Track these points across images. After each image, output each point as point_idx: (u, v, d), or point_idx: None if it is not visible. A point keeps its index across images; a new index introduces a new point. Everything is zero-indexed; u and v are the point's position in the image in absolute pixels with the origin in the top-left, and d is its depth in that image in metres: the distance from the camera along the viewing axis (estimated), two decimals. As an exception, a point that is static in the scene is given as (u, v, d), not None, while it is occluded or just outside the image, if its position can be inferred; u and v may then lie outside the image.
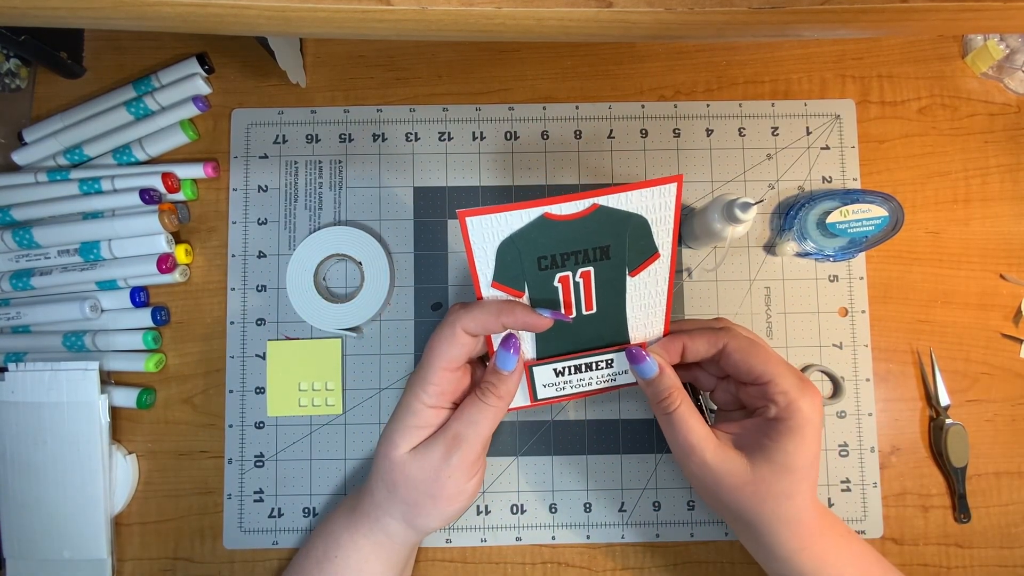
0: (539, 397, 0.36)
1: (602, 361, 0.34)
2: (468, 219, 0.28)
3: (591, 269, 0.31)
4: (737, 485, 0.31)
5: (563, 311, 0.32)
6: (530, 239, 0.29)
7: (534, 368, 0.34)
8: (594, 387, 0.36)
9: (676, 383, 0.33)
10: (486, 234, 0.29)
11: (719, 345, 0.32)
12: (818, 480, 0.33)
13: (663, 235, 0.30)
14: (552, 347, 0.34)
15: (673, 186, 0.29)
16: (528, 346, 0.34)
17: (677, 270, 0.41)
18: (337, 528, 0.35)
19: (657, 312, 0.33)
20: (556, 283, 0.31)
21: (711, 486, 0.32)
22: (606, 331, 0.33)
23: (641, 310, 0.33)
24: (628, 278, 0.32)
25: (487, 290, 0.31)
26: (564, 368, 0.35)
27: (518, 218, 0.29)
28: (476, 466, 0.33)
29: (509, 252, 0.30)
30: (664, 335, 0.34)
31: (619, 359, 0.34)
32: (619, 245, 0.30)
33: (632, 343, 0.34)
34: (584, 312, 0.33)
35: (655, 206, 0.29)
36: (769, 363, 0.31)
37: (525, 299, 0.32)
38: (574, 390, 0.36)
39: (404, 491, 0.33)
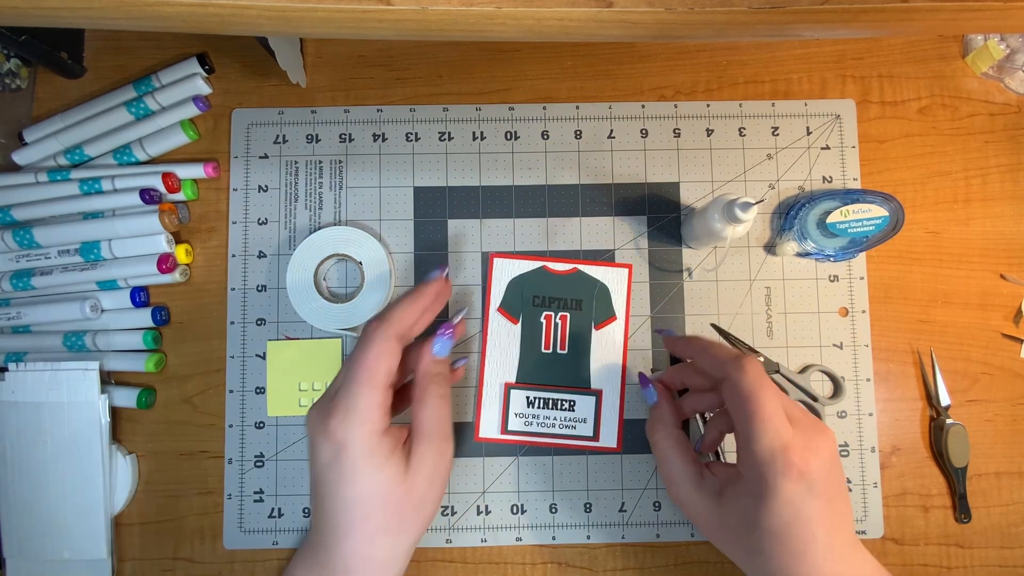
0: (509, 428, 0.40)
1: (565, 401, 0.40)
2: (495, 259, 0.41)
3: (568, 315, 0.41)
4: (708, 528, 0.32)
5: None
6: (531, 281, 0.41)
7: (512, 389, 0.40)
8: (556, 431, 0.40)
9: (665, 418, 0.35)
10: (503, 271, 0.41)
11: (721, 374, 0.31)
12: (810, 549, 0.28)
13: (620, 303, 0.41)
14: (529, 375, 0.40)
15: (625, 271, 0.41)
16: (511, 369, 0.40)
17: (677, 270, 0.41)
18: None
19: (615, 368, 0.40)
20: (542, 319, 0.40)
21: (692, 520, 0.33)
22: (572, 373, 0.40)
23: (603, 363, 0.40)
24: (594, 330, 0.40)
25: (494, 314, 0.41)
26: (535, 399, 0.40)
27: (527, 265, 0.41)
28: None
29: (514, 287, 0.41)
30: (622, 389, 0.40)
31: (580, 403, 0.40)
32: (588, 302, 0.41)
33: (592, 388, 0.40)
34: (559, 351, 0.40)
35: (615, 280, 0.41)
36: (752, 422, 0.29)
37: (518, 327, 0.40)
38: (540, 429, 0.40)
39: (415, 517, 0.30)
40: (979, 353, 0.41)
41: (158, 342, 0.41)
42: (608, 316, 0.40)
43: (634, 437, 0.40)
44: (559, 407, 0.40)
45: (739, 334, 0.41)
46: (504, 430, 0.40)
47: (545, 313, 0.40)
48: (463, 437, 0.40)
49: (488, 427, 0.40)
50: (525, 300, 0.41)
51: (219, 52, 0.43)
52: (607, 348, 0.40)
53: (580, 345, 0.40)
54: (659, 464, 0.34)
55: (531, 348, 0.40)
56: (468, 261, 0.41)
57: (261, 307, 0.41)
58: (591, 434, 0.40)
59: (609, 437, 0.40)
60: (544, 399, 0.40)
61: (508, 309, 0.40)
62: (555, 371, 0.40)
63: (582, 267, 0.41)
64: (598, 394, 0.40)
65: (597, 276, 0.41)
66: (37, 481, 0.38)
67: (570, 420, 0.40)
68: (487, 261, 0.41)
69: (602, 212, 0.42)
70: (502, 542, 0.40)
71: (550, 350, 0.40)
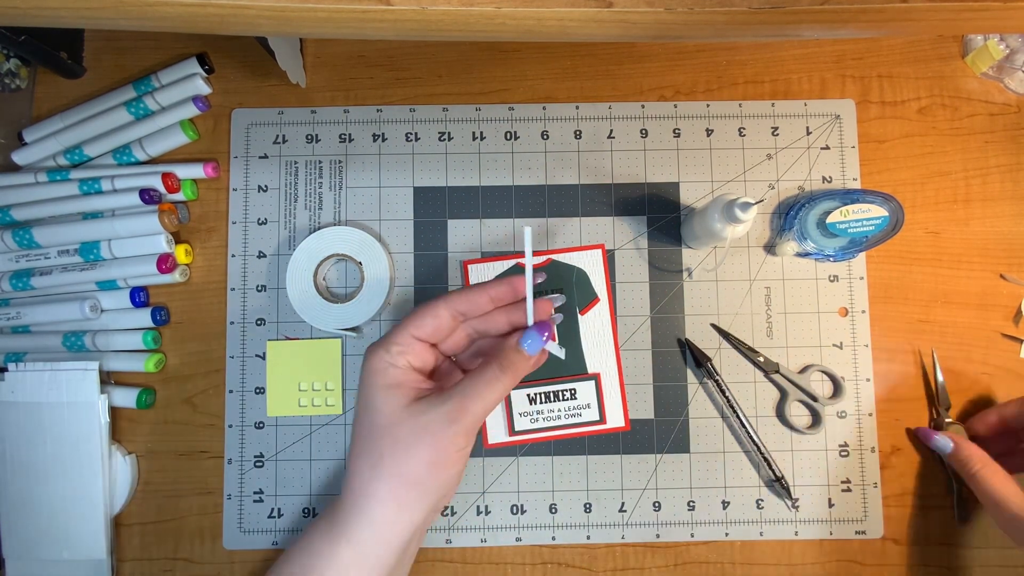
0: (516, 429, 0.40)
1: (566, 391, 0.40)
2: (469, 266, 0.41)
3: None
4: None
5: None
6: None
7: (511, 392, 0.40)
8: (563, 422, 0.40)
9: (972, 451, 0.37)
10: (480, 277, 0.41)
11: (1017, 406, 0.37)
12: None
13: (599, 284, 0.41)
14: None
15: (598, 252, 0.41)
16: None
17: (677, 270, 0.41)
18: (315, 540, 0.30)
19: (608, 348, 0.41)
20: None
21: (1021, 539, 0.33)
22: (567, 362, 0.41)
23: (595, 346, 0.41)
24: (579, 316, 0.41)
25: None
26: (536, 395, 0.40)
27: (502, 265, 0.41)
28: (471, 441, 0.30)
29: None
30: (618, 367, 0.40)
31: (581, 390, 0.40)
32: (569, 289, 0.41)
33: (589, 372, 0.40)
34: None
35: (590, 262, 0.41)
36: None
37: None
38: (546, 423, 0.40)
39: (391, 460, 0.29)
40: (979, 353, 0.41)
41: (158, 342, 0.41)
42: (591, 299, 0.41)
43: (633, 437, 0.40)
44: (561, 398, 0.40)
45: (739, 334, 0.41)
46: (512, 432, 0.40)
47: None
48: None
49: (495, 433, 0.40)
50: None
51: (219, 52, 0.43)
52: (596, 331, 0.41)
53: (569, 333, 0.41)
54: (983, 492, 0.35)
55: None
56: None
57: (261, 307, 0.41)
58: (598, 418, 0.40)
59: (616, 417, 0.40)
60: (545, 393, 0.40)
61: None
62: (550, 364, 0.40)
63: (556, 256, 0.41)
64: (596, 377, 0.40)
65: (572, 262, 0.41)
66: (37, 481, 0.38)
67: (575, 408, 0.40)
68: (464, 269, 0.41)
69: (602, 212, 0.42)
70: (502, 542, 0.40)
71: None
